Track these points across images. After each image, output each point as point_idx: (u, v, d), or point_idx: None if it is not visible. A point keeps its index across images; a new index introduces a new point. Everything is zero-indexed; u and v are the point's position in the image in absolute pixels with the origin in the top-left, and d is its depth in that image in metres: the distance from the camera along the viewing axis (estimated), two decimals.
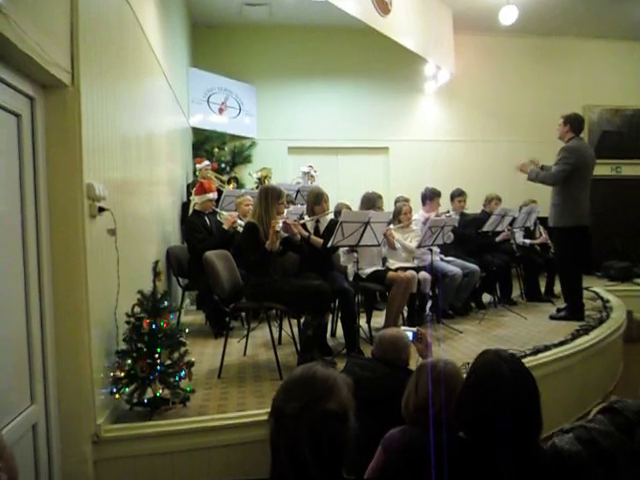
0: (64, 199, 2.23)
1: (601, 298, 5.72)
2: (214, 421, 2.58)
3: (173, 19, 5.78)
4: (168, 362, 2.65)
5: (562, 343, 3.94)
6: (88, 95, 2.36)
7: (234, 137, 7.83)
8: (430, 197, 5.16)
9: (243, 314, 4.81)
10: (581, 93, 8.52)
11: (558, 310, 4.96)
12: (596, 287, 6.35)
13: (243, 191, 5.72)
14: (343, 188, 7.44)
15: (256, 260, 3.38)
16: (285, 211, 3.58)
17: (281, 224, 3.34)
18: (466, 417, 1.59)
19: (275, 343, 3.52)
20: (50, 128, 2.21)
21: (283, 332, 4.22)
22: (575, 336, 4.15)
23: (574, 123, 4.63)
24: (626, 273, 7.38)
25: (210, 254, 3.63)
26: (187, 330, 2.90)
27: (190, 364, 2.76)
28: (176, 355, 2.68)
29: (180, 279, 4.89)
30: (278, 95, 8.05)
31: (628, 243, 8.65)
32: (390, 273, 4.16)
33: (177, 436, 2.51)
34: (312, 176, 6.51)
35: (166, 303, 2.68)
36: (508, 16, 6.90)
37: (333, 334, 4.34)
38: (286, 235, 3.54)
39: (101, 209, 2.45)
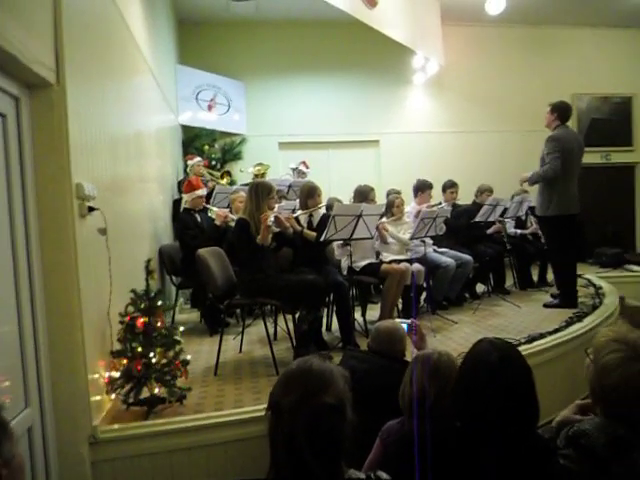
0: (53, 199, 2.20)
1: (593, 285, 5.76)
2: (211, 419, 2.58)
3: (159, 16, 5.72)
4: (163, 361, 2.64)
5: (556, 330, 3.96)
6: (74, 94, 2.33)
7: (224, 134, 7.78)
8: (422, 189, 5.15)
9: (238, 311, 4.80)
10: (570, 81, 8.53)
11: (552, 296, 4.99)
12: (588, 274, 6.40)
13: (235, 187, 5.69)
14: (334, 182, 7.43)
15: (248, 256, 3.37)
16: (276, 206, 3.56)
17: (273, 218, 3.33)
18: (460, 406, 1.59)
19: (270, 339, 3.52)
20: (36, 128, 2.18)
21: (278, 328, 4.22)
22: (569, 323, 4.17)
23: (561, 111, 4.62)
24: (617, 259, 7.46)
25: (203, 251, 3.61)
26: (182, 328, 2.89)
27: (186, 362, 2.75)
28: (171, 354, 2.67)
29: (173, 277, 4.87)
30: (267, 91, 8.00)
31: (619, 230, 8.72)
32: (384, 265, 4.16)
33: (175, 435, 2.50)
34: (303, 172, 6.47)
35: (160, 302, 2.67)
36: (495, 6, 6.89)
37: (329, 328, 4.33)
38: (278, 230, 3.53)
39: (91, 208, 2.43)
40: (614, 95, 8.90)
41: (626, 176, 9.11)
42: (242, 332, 3.96)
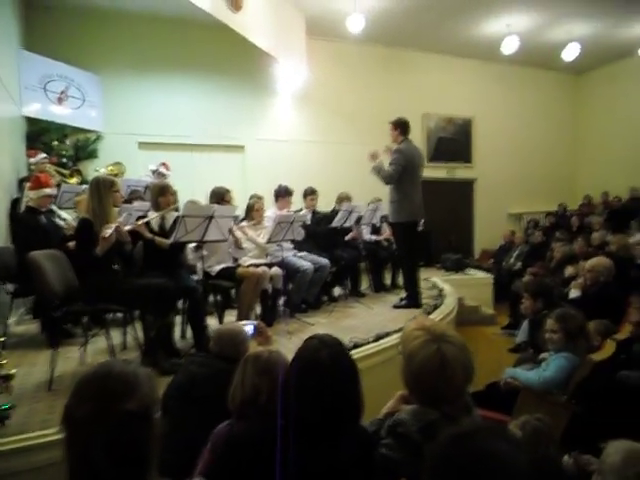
0: None
1: (437, 287, 6.32)
2: (35, 439, 2.34)
3: None
4: None
5: (401, 329, 4.25)
6: None
7: (77, 129, 7.16)
8: (282, 194, 5.25)
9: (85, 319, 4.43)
10: (421, 102, 9.32)
11: (401, 299, 5.38)
12: (434, 277, 7.02)
13: (84, 187, 5.27)
14: (199, 186, 7.17)
15: (91, 259, 3.13)
16: (121, 205, 3.36)
17: (111, 231, 3.13)
18: (288, 403, 1.62)
19: (114, 348, 3.31)
20: None
21: (129, 336, 3.98)
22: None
23: (401, 126, 5.07)
24: (459, 264, 8.27)
25: (36, 254, 3.27)
26: (3, 339, 2.59)
27: (8, 377, 2.47)
28: None
29: (8, 285, 4.35)
30: (126, 87, 7.55)
31: (461, 238, 9.73)
32: (240, 269, 4.15)
33: None
34: (163, 175, 6.20)
35: None
36: (355, 24, 7.30)
37: (183, 335, 4.20)
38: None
39: None
40: (458, 117, 9.92)
41: (467, 190, 10.24)
42: (85, 342, 3.67)
